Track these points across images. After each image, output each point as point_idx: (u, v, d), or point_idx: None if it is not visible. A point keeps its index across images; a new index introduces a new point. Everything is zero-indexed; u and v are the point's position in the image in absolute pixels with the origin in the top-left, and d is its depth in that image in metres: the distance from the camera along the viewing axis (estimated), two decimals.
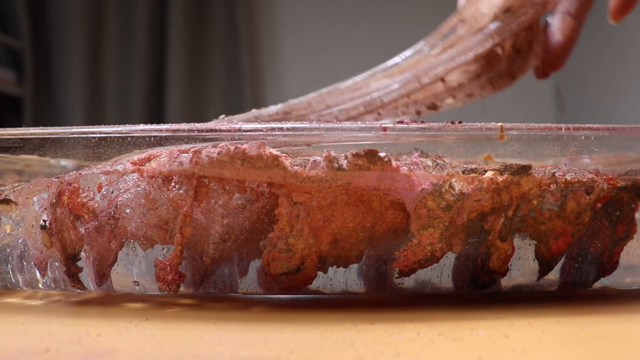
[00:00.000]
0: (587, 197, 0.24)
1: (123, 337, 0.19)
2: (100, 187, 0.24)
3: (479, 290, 0.25)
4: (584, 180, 0.24)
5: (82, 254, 0.25)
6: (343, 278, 0.25)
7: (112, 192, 0.24)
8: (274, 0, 1.79)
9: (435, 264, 0.24)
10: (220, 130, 0.23)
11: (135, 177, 0.24)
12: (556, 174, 0.23)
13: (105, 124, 0.24)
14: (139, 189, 0.23)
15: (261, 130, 0.23)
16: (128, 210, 0.23)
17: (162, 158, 0.23)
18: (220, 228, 0.23)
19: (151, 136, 0.24)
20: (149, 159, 0.24)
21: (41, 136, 0.24)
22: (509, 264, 0.24)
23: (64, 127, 0.24)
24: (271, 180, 0.22)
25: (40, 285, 0.26)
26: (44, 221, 0.24)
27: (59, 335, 0.20)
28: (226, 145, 0.22)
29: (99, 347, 0.18)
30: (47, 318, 0.23)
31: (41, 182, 0.25)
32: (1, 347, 0.18)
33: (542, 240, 0.24)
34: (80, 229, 0.24)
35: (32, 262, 0.25)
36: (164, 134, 0.23)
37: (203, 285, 0.25)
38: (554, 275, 0.25)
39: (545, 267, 0.25)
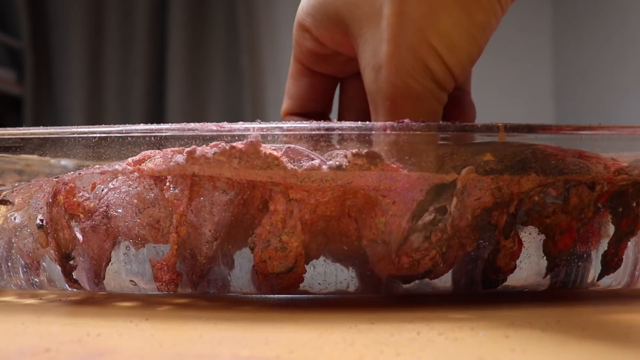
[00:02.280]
0: (590, 192, 0.24)
1: (123, 337, 0.19)
2: (93, 187, 0.24)
3: (486, 289, 0.25)
4: (585, 178, 0.24)
5: (74, 253, 0.25)
6: (341, 278, 0.25)
7: (103, 190, 0.24)
8: (273, 0, 1.79)
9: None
10: (220, 130, 0.23)
11: (130, 177, 0.24)
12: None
13: (105, 124, 0.24)
14: (129, 189, 0.24)
15: (261, 130, 0.23)
16: (120, 210, 0.24)
17: (157, 158, 0.23)
18: (212, 226, 0.23)
19: (151, 136, 0.24)
20: (142, 161, 0.24)
21: (41, 136, 0.24)
22: (517, 261, 0.24)
23: (64, 127, 0.24)
24: (271, 180, 0.22)
25: (32, 285, 0.26)
26: (41, 220, 0.24)
27: (59, 335, 0.20)
28: (222, 144, 0.22)
29: (99, 347, 0.18)
30: (47, 318, 0.23)
31: (38, 182, 0.25)
32: (1, 347, 0.18)
33: (549, 235, 0.24)
34: (76, 229, 0.24)
35: (23, 262, 0.26)
36: (164, 134, 0.23)
37: (201, 285, 0.25)
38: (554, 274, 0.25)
39: (552, 263, 0.25)
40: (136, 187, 0.23)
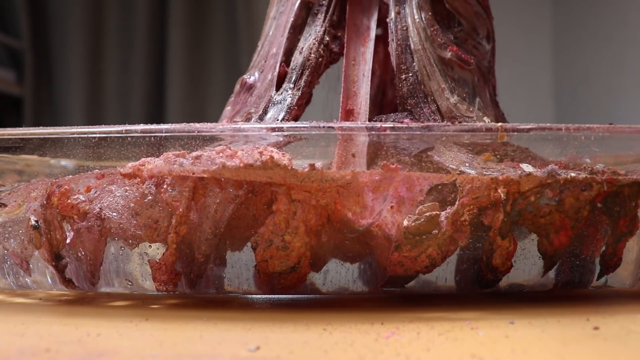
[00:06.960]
0: (586, 193, 0.24)
1: (123, 337, 0.19)
2: (88, 189, 0.24)
3: (483, 289, 0.25)
4: (583, 179, 0.24)
5: (63, 252, 0.25)
6: (343, 278, 0.25)
7: (97, 194, 0.24)
8: None
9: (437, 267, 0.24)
10: (220, 130, 0.23)
11: (126, 180, 0.24)
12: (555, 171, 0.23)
13: (105, 124, 0.24)
14: (126, 193, 0.24)
15: (260, 130, 0.23)
16: (115, 213, 0.24)
17: (158, 162, 0.23)
18: (213, 223, 0.23)
19: (151, 136, 0.24)
20: (142, 165, 0.24)
21: (41, 136, 0.24)
22: (512, 261, 0.24)
23: (64, 127, 0.24)
24: (271, 180, 0.22)
25: (22, 286, 0.26)
26: (36, 222, 0.24)
27: (59, 335, 0.20)
28: (227, 149, 0.22)
29: (99, 347, 0.18)
30: (47, 318, 0.23)
31: (35, 184, 0.25)
32: (1, 347, 0.18)
33: (543, 234, 0.24)
34: (67, 229, 0.24)
35: (12, 262, 0.26)
36: (163, 134, 0.23)
37: (199, 285, 0.25)
38: (553, 273, 0.25)
39: (549, 262, 0.25)
40: (133, 190, 0.24)
